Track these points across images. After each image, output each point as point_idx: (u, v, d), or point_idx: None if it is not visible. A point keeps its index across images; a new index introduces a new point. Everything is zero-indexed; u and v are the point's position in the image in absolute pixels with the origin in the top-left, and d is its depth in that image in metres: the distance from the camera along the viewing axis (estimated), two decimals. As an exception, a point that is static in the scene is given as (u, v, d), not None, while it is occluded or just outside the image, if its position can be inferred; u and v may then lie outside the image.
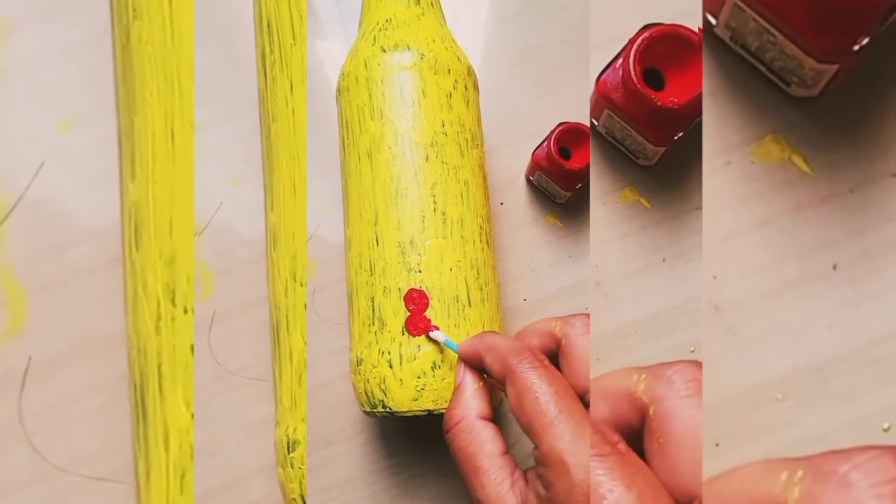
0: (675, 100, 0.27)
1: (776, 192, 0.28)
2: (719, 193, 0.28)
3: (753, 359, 0.27)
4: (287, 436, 0.28)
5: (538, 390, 0.19)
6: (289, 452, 0.27)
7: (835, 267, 0.27)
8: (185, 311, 0.23)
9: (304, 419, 0.28)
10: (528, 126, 0.36)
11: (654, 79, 0.28)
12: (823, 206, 0.27)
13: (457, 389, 0.23)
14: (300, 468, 0.27)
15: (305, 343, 0.28)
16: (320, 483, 0.33)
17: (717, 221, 0.27)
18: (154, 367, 0.23)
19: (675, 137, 0.29)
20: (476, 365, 0.23)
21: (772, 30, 0.25)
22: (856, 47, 0.24)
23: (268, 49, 0.29)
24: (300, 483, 0.27)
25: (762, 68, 0.28)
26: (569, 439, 0.18)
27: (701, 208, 0.32)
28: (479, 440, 0.21)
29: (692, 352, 0.31)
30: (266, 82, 0.29)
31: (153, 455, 0.22)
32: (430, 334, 0.26)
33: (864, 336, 0.26)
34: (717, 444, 0.26)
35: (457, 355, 0.24)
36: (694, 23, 0.28)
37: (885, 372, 0.26)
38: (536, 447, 0.19)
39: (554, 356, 0.24)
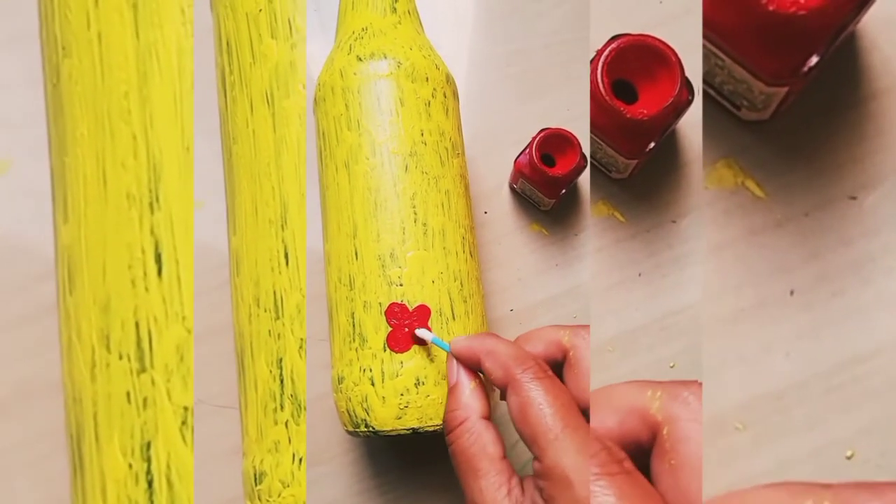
0: (645, 111, 0.26)
1: (730, 218, 0.26)
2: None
3: (712, 388, 0.25)
4: (254, 467, 0.26)
5: (542, 402, 0.19)
6: (256, 485, 0.26)
7: (792, 293, 0.26)
8: (120, 358, 0.21)
9: (270, 450, 0.26)
10: (511, 134, 0.35)
11: (625, 91, 0.28)
12: (779, 230, 0.26)
13: (454, 389, 0.22)
14: (267, 500, 0.26)
15: (271, 371, 0.27)
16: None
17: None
18: (90, 417, 0.21)
19: (647, 149, 0.28)
20: (472, 366, 0.22)
21: (719, 53, 0.24)
22: (804, 69, 0.23)
23: (227, 69, 0.27)
24: (269, 516, 0.25)
25: (712, 93, 0.26)
26: (573, 455, 0.17)
27: (676, 221, 0.31)
28: (481, 442, 0.20)
29: (672, 367, 0.30)
30: (226, 103, 0.27)
31: (90, 508, 0.20)
32: (417, 332, 0.25)
33: (824, 362, 0.25)
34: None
35: (446, 355, 0.23)
36: (693, 23, 0.26)
37: (847, 398, 0.25)
38: (538, 460, 0.18)
39: (557, 366, 0.23)
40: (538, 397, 0.19)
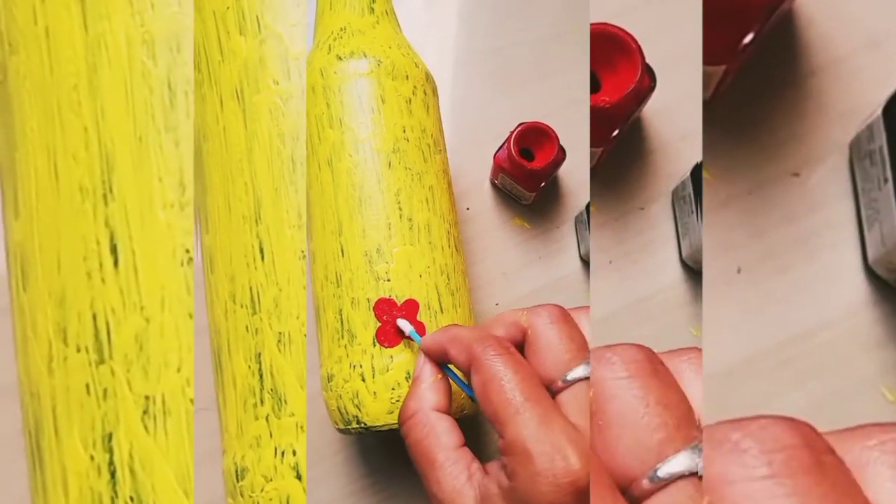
0: (607, 98, 0.25)
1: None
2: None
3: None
4: (235, 464, 0.25)
5: (503, 378, 0.18)
6: (238, 481, 0.25)
7: (739, 270, 0.26)
8: (78, 351, 0.20)
9: (251, 445, 0.26)
10: (490, 130, 0.34)
11: (592, 83, 0.27)
12: (723, 209, 0.26)
13: (414, 382, 0.21)
14: (250, 496, 0.25)
15: (249, 367, 0.26)
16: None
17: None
18: (49, 411, 0.20)
19: (612, 136, 0.28)
20: (440, 359, 0.21)
21: None
22: (740, 47, 0.23)
23: (195, 67, 0.27)
24: (251, 513, 0.25)
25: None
26: (534, 427, 0.17)
27: (644, 208, 0.30)
28: (434, 433, 0.19)
29: None
30: (195, 101, 0.27)
31: (52, 502, 0.20)
32: (398, 322, 0.24)
33: (772, 338, 0.25)
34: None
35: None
36: (653, 10, 0.26)
37: (796, 373, 0.25)
38: (501, 436, 0.18)
39: (521, 347, 0.22)
40: (499, 372, 0.18)
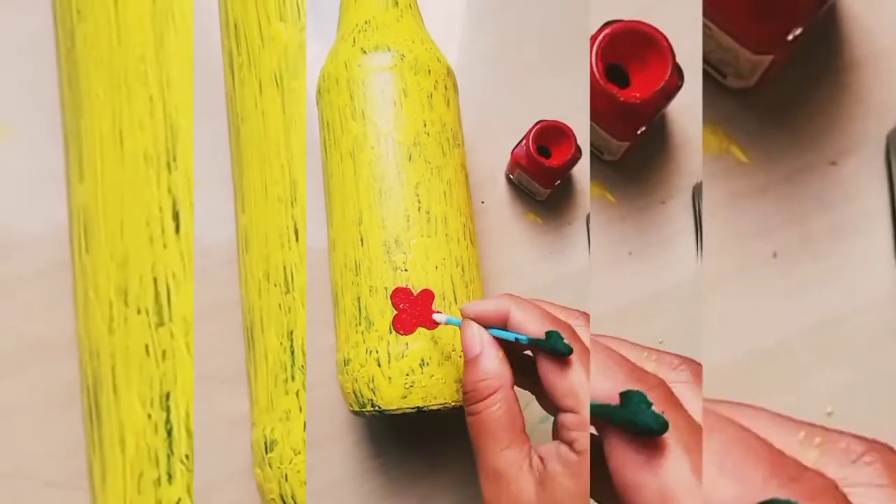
0: (638, 95, 0.26)
1: (715, 182, 0.26)
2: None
3: (697, 349, 0.25)
4: (265, 436, 0.25)
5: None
6: (267, 453, 0.25)
7: (775, 255, 0.26)
8: (139, 312, 0.21)
9: (281, 419, 0.26)
10: (506, 125, 0.34)
11: (618, 75, 0.27)
12: (761, 195, 0.26)
13: (478, 358, 0.20)
14: (279, 468, 0.25)
15: (281, 343, 0.26)
16: (311, 486, 0.30)
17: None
18: (108, 369, 0.21)
19: (639, 132, 0.28)
20: (498, 324, 0.21)
21: (709, 22, 0.24)
22: (790, 37, 0.23)
23: (235, 51, 0.26)
24: (279, 483, 0.25)
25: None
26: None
27: (665, 202, 0.30)
28: (512, 412, 0.19)
29: (660, 343, 0.30)
30: (234, 84, 0.27)
31: (109, 457, 0.20)
32: (435, 317, 0.24)
33: (806, 322, 0.25)
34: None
35: (461, 328, 0.21)
36: (685, 8, 0.26)
37: (827, 356, 0.25)
38: (576, 411, 0.18)
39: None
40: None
